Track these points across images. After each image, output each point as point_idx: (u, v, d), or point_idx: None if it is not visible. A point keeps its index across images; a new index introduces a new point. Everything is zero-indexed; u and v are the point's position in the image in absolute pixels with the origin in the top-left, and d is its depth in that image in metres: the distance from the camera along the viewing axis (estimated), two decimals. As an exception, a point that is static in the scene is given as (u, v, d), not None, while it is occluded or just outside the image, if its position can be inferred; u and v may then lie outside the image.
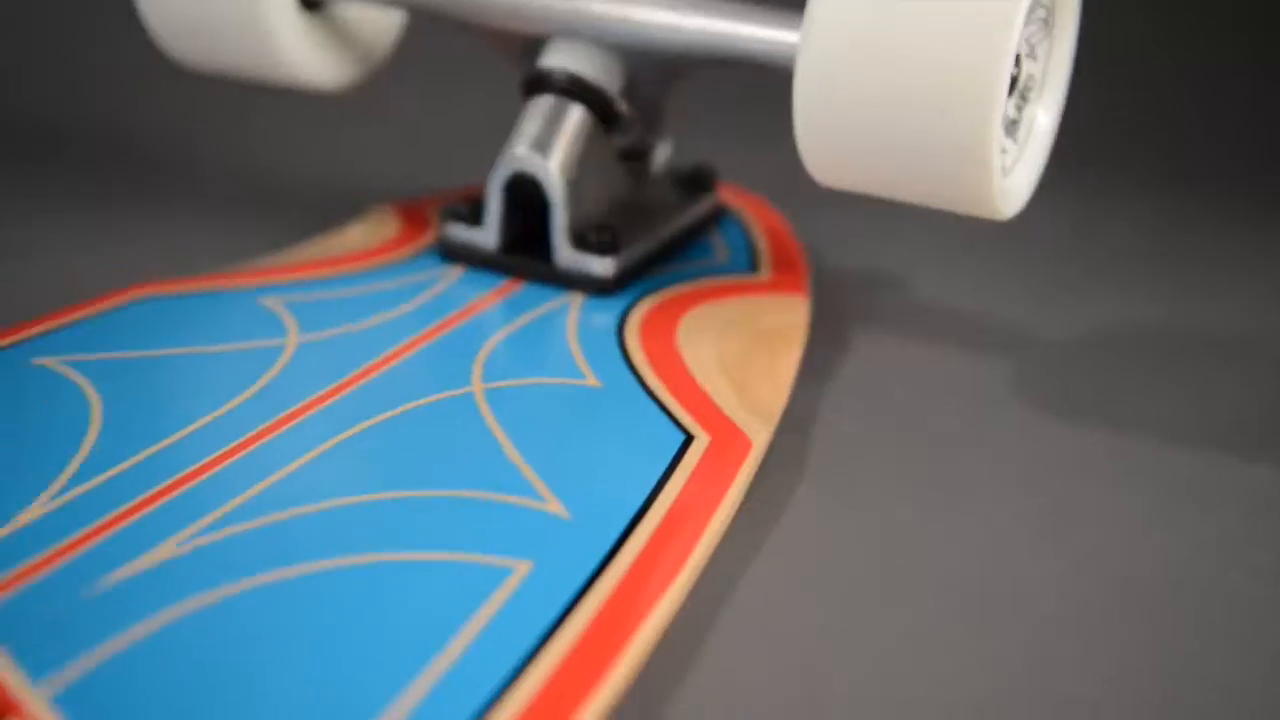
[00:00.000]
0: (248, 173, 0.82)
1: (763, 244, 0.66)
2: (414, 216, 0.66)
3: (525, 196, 0.58)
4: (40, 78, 0.97)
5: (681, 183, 0.66)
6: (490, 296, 0.58)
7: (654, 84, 0.59)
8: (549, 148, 0.57)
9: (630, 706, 0.36)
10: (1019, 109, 0.52)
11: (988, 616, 0.42)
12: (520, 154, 0.57)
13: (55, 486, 0.41)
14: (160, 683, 0.33)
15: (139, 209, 0.73)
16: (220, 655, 0.34)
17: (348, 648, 0.35)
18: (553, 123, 0.58)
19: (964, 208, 0.51)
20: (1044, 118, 0.54)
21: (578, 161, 0.57)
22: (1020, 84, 0.52)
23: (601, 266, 0.58)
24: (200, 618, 0.35)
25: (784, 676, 0.39)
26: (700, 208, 0.65)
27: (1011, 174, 0.52)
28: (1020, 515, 0.48)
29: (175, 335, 0.51)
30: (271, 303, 0.55)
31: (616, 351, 0.53)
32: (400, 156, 0.88)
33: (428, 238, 0.63)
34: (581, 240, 0.58)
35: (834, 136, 0.50)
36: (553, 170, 0.57)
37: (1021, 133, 0.53)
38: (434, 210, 0.66)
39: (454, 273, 0.60)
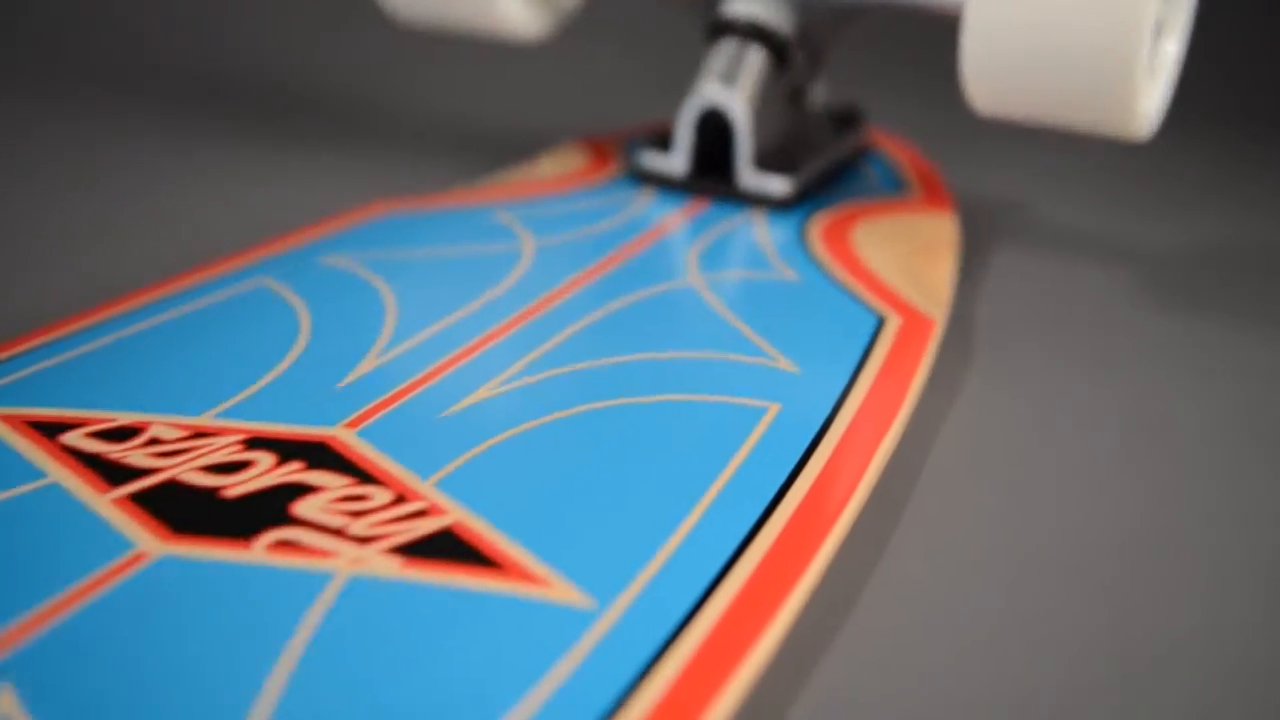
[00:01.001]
0: (431, 116, 0.90)
1: (907, 172, 0.74)
2: (597, 150, 0.74)
3: (708, 126, 0.65)
4: (252, 36, 1.05)
5: (835, 118, 0.73)
6: (683, 213, 0.65)
7: (823, 28, 0.67)
8: (735, 83, 0.64)
9: (868, 521, 0.43)
10: (1155, 42, 0.59)
11: (1148, 456, 0.50)
12: (712, 89, 0.64)
13: (377, 349, 0.49)
14: (515, 474, 0.41)
15: (341, 147, 0.81)
16: (553, 460, 0.42)
17: (654, 460, 0.42)
18: (737, 62, 0.65)
19: (1106, 128, 0.58)
20: (1172, 48, 0.61)
21: (758, 96, 0.65)
22: (1158, 22, 0.59)
23: (781, 185, 0.65)
24: (532, 434, 0.43)
25: (996, 513, 0.46)
26: (854, 139, 0.72)
27: (1148, 98, 0.59)
28: (1170, 378, 0.55)
29: (430, 241, 0.59)
30: (503, 218, 0.62)
31: (803, 253, 0.60)
32: (565, 101, 0.95)
33: (613, 168, 0.71)
34: (762, 163, 0.65)
35: (999, 67, 0.57)
36: (740, 103, 0.64)
37: (1156, 63, 0.60)
38: (611, 145, 0.73)
39: (647, 194, 0.67)
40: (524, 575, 0.36)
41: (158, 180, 0.72)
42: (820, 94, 0.71)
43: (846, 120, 0.72)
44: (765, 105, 0.64)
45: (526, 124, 0.86)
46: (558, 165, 0.71)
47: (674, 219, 0.63)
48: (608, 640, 0.33)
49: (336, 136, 0.81)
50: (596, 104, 0.93)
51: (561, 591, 0.35)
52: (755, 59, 0.64)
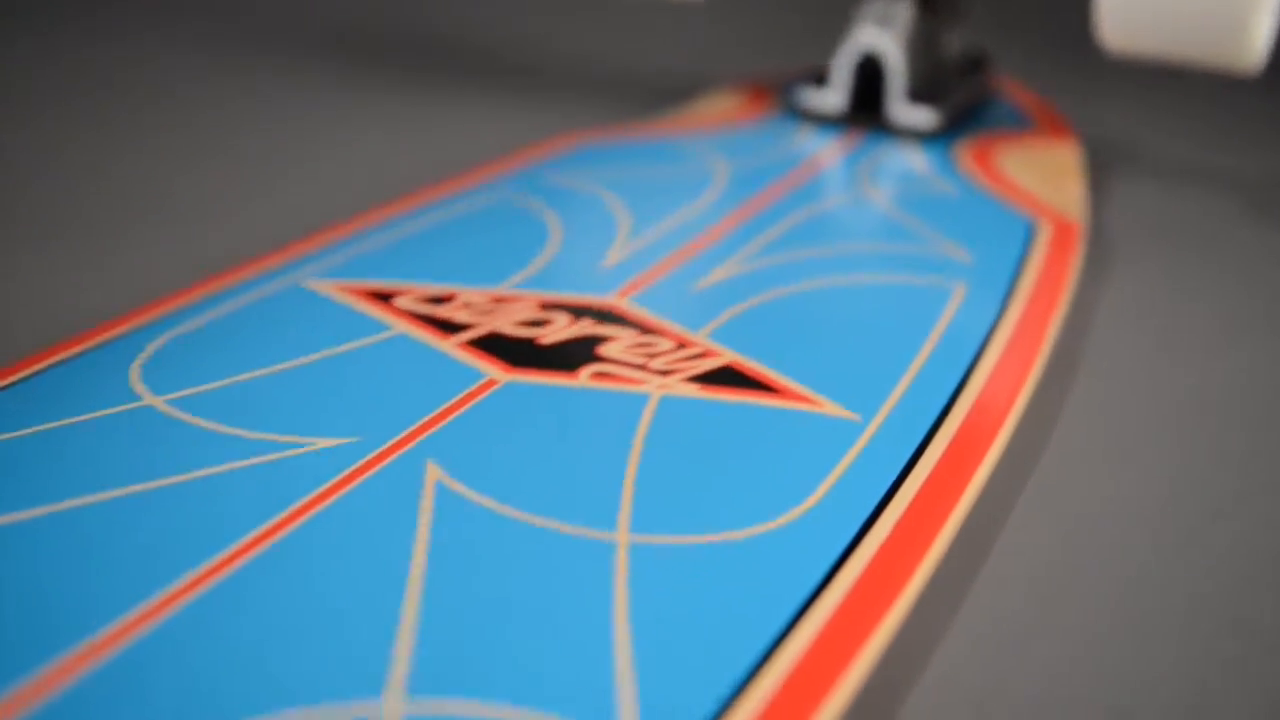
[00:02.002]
0: (586, 64, 0.97)
1: (1029, 110, 0.81)
2: (752, 93, 0.81)
3: (861, 66, 0.73)
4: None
5: (967, 61, 0.80)
6: (841, 144, 0.73)
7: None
8: (890, 28, 0.72)
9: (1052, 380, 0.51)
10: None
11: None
12: (869, 33, 0.72)
13: (621, 241, 0.56)
14: (765, 329, 0.48)
15: (516, 94, 0.89)
16: (793, 321, 0.49)
17: (875, 319, 0.50)
18: (889, 9, 0.73)
19: (1223, 62, 0.65)
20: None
21: (908, 39, 0.72)
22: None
23: (929, 118, 0.72)
24: (769, 304, 0.51)
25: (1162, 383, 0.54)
26: (984, 80, 0.80)
27: (1263, 34, 0.66)
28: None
29: (632, 163, 0.67)
30: (689, 145, 0.70)
31: (955, 173, 0.68)
32: (705, 50, 1.03)
33: (770, 107, 0.78)
34: (913, 98, 0.72)
35: (1134, 3, 0.64)
36: (894, 45, 0.71)
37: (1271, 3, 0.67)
38: (763, 88, 0.81)
39: (806, 129, 0.75)
40: (799, 397, 0.44)
41: (363, 123, 0.80)
42: (955, 39, 0.78)
43: (976, 64, 0.79)
44: (914, 47, 0.71)
45: (675, 70, 0.94)
46: (720, 105, 0.79)
47: (835, 148, 0.71)
48: (873, 444, 0.41)
49: (504, 83, 0.89)
50: (734, 53, 1.00)
51: (832, 408, 0.43)
52: (905, 6, 0.71)
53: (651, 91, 0.87)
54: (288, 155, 0.71)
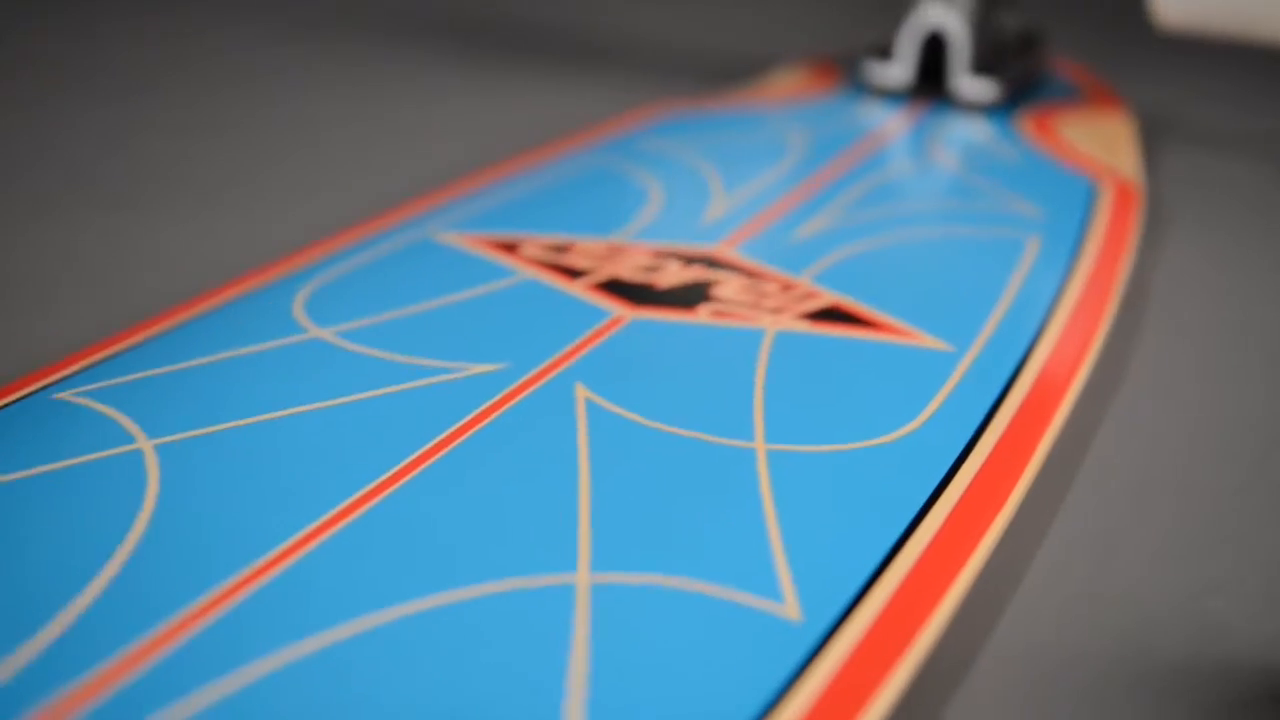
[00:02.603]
0: (651, 41, 1.01)
1: (1081, 83, 0.84)
2: (818, 68, 0.85)
3: (925, 42, 0.76)
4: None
5: (1022, 37, 0.84)
6: (907, 115, 0.76)
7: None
8: (954, 6, 0.75)
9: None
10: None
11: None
12: (935, 11, 0.75)
13: (719, 197, 0.60)
14: (863, 274, 0.52)
15: (592, 71, 0.92)
16: (888, 266, 0.53)
17: (964, 262, 0.53)
18: (954, -14, 0.76)
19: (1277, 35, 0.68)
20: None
21: (971, 15, 0.75)
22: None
23: (990, 90, 0.76)
24: (864, 253, 0.54)
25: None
26: (1039, 55, 0.83)
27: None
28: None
29: (714, 130, 0.71)
30: (765, 115, 0.74)
31: (1017, 140, 0.71)
32: (762, 31, 1.06)
33: (836, 81, 0.82)
34: (975, 72, 0.76)
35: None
36: (958, 22, 0.75)
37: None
38: (827, 65, 0.84)
39: (872, 101, 0.78)
40: (900, 332, 0.47)
41: (464, 97, 0.84)
42: (1013, 17, 0.81)
43: (1032, 40, 0.82)
44: (976, 24, 0.74)
45: (733, 50, 0.97)
46: (788, 80, 0.83)
47: (902, 119, 0.74)
48: (969, 373, 0.45)
49: (579, 61, 0.92)
50: (783, 34, 1.04)
51: (930, 342, 0.46)
52: (969, -15, 0.75)
53: (715, 69, 0.91)
54: (401, 125, 0.75)
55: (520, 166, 0.62)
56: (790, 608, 0.31)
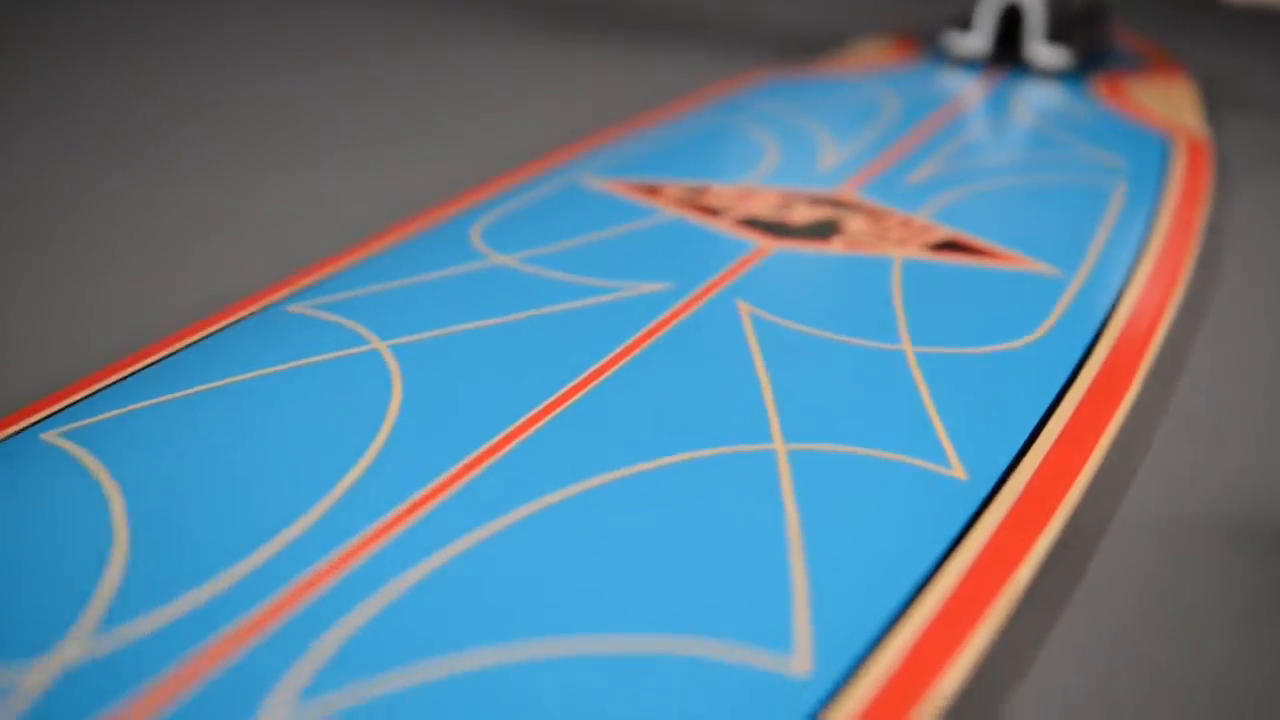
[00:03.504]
0: (734, 20, 1.05)
1: (1145, 53, 0.88)
2: (898, 41, 0.89)
3: (1002, 14, 0.80)
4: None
5: (1090, 9, 0.88)
6: (985, 82, 0.80)
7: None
8: (1030, -20, 0.79)
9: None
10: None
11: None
12: (1013, -15, 0.79)
13: (831, 151, 0.64)
14: (973, 211, 0.56)
15: (685, 43, 0.97)
16: (992, 206, 0.57)
17: (1055, 212, 0.57)
18: (1029, -38, 0.80)
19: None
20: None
21: (1046, -10, 0.80)
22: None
23: (1064, 58, 0.80)
24: (970, 196, 0.59)
25: None
26: (1106, 25, 0.87)
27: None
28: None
29: (814, 95, 0.75)
30: (858, 81, 0.78)
31: (1091, 102, 0.75)
32: (839, 7, 1.11)
33: (913, 52, 0.86)
34: (1050, 40, 0.80)
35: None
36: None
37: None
38: (907, 37, 0.89)
39: (952, 70, 0.82)
40: (1013, 259, 0.51)
41: (573, 66, 0.89)
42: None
43: (1099, 11, 0.86)
44: (1049, -2, 0.79)
45: (814, 25, 1.02)
46: (872, 50, 0.87)
47: (983, 84, 0.78)
48: (1079, 294, 0.49)
49: (673, 35, 0.97)
50: (862, 11, 1.08)
51: (1040, 267, 0.51)
52: (1042, -39, 0.79)
53: (796, 43, 0.95)
54: (529, 89, 0.80)
55: (644, 124, 0.67)
56: (957, 469, 0.36)
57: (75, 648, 0.27)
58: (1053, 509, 0.34)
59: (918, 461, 0.36)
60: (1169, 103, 0.75)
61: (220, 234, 0.55)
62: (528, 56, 0.88)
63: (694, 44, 0.94)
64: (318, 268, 0.48)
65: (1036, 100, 0.73)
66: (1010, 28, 0.77)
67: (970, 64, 0.78)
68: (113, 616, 0.28)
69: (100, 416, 0.36)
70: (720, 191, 0.57)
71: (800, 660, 0.28)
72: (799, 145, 0.64)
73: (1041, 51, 0.76)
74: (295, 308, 0.44)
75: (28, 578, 0.29)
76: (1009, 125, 0.68)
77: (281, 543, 0.31)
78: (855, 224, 0.53)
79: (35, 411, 0.37)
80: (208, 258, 0.53)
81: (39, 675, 0.26)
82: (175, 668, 0.27)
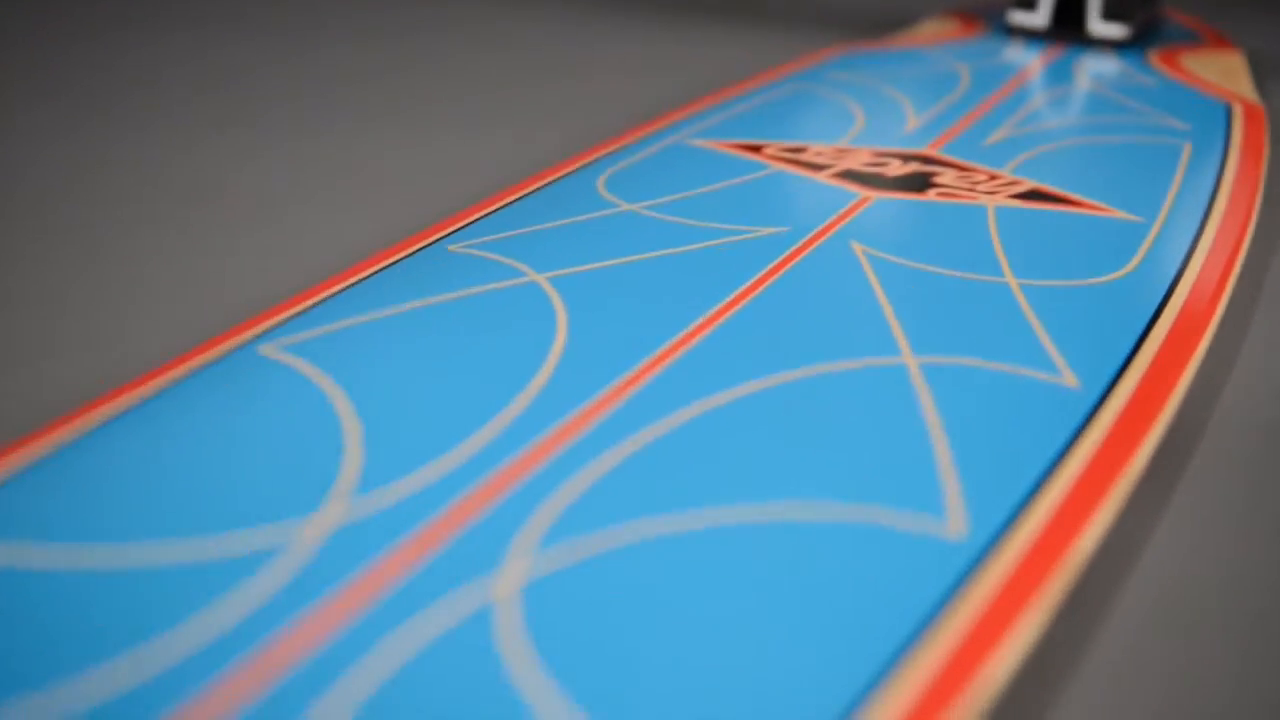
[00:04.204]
0: (795, 6, 1.09)
1: (1194, 28, 0.91)
2: (963, 18, 0.92)
3: None
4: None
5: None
6: (1048, 54, 0.84)
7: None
8: (1090, -43, 0.83)
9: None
10: None
11: None
12: (1074, -39, 0.83)
13: (909, 116, 0.68)
14: (1051, 168, 0.59)
15: (752, 25, 1.00)
16: (1067, 164, 0.60)
17: (1130, 166, 0.61)
18: (1089, -59, 0.83)
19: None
20: None
21: (1104, -34, 0.83)
22: None
23: (1122, 30, 0.83)
24: (1043, 155, 0.62)
25: None
26: (1158, 2, 0.90)
27: None
28: None
29: (889, 66, 0.79)
30: (931, 54, 0.82)
31: (1151, 71, 0.79)
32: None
33: (978, 28, 0.89)
34: (1108, 15, 0.83)
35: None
36: (1094, -29, 0.82)
37: None
38: (971, 15, 0.92)
39: (1016, 43, 0.86)
40: (1096, 207, 0.55)
41: (666, 42, 0.93)
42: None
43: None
44: (1107, -27, 0.82)
45: (882, 6, 1.05)
46: (939, 27, 0.90)
47: (1046, 55, 0.82)
48: (1159, 237, 0.53)
49: (744, 15, 1.01)
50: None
51: (1122, 214, 0.55)
52: (1102, -61, 0.82)
53: (863, 23, 0.98)
54: (617, 64, 0.84)
55: (734, 94, 0.71)
56: (1068, 379, 0.40)
57: (339, 508, 0.31)
58: (1158, 409, 0.38)
59: (1034, 373, 0.40)
60: (1222, 72, 0.79)
61: (380, 186, 0.60)
62: (611, 36, 0.92)
63: (766, 26, 0.98)
64: (467, 213, 0.52)
65: (1099, 70, 0.76)
66: (1069, 3, 0.81)
67: (1032, 38, 0.82)
68: (363, 487, 0.32)
69: (307, 333, 0.41)
70: (818, 150, 0.60)
71: (955, 524, 0.32)
72: (883, 110, 0.67)
73: (1100, 25, 0.79)
74: (455, 247, 0.48)
75: (277, 462, 0.33)
76: (1075, 92, 0.71)
77: (500, 425, 0.35)
78: (945, 178, 0.57)
79: (247, 329, 0.41)
80: (371, 206, 0.57)
81: (313, 530, 0.31)
82: (428, 524, 0.31)
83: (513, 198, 0.54)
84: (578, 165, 0.58)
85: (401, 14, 1.01)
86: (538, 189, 0.55)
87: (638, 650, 0.27)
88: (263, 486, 0.32)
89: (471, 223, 0.51)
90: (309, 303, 0.43)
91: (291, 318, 0.42)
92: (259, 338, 0.41)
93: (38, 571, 0.29)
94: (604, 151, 0.60)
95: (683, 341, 0.40)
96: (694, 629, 0.27)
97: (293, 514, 0.31)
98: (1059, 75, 0.76)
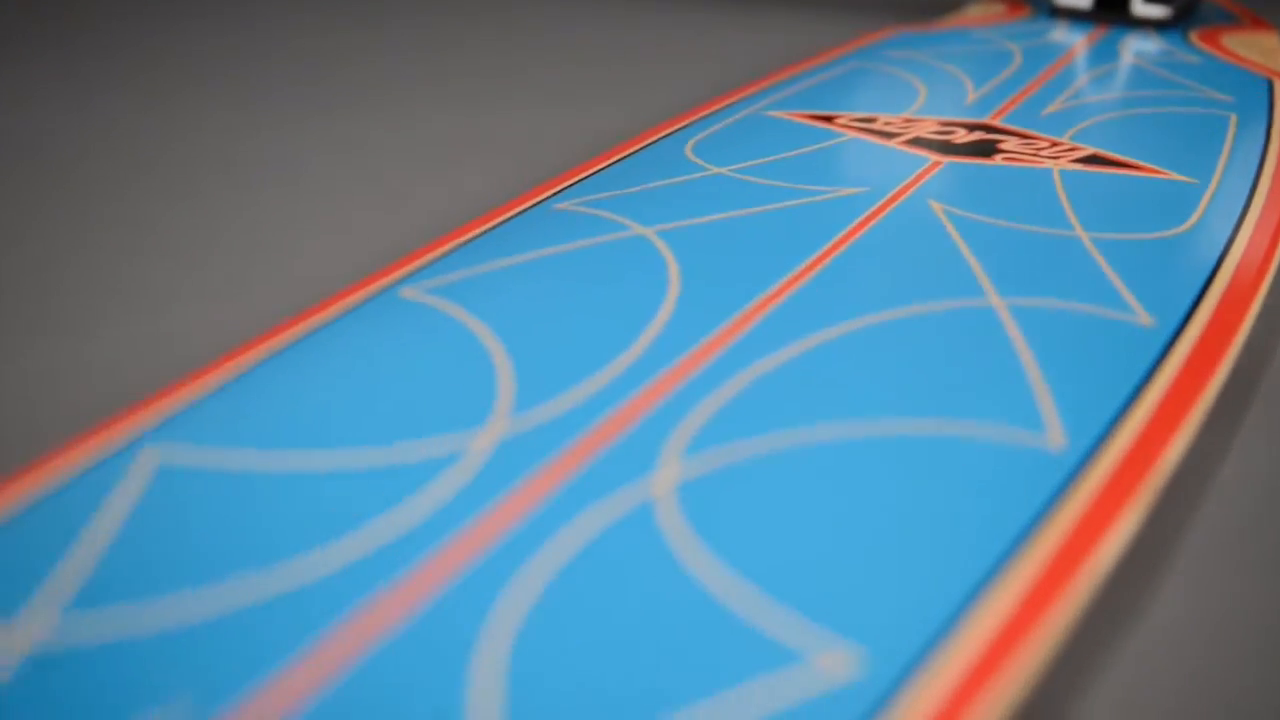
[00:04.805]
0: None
1: (1233, 10, 0.94)
2: (1005, 3, 0.95)
3: None
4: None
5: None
6: (1093, 35, 0.86)
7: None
8: (1133, -61, 0.85)
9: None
10: None
11: None
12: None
13: (969, 89, 0.71)
14: (1104, 135, 0.63)
15: (801, 10, 1.03)
16: (1122, 134, 0.63)
17: (1180, 134, 0.64)
18: (1132, -77, 0.86)
19: None
20: None
21: (1147, -52, 0.85)
22: None
23: (1164, 11, 0.86)
24: (1099, 124, 0.65)
25: None
26: (1198, -16, 0.93)
27: None
28: None
29: (944, 43, 0.81)
30: (982, 35, 0.84)
31: (1194, 49, 0.82)
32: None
33: (1024, 11, 0.92)
34: (1149, -3, 0.86)
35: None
36: (1138, -46, 0.85)
37: None
38: (1006, 1, 0.95)
39: (1063, 24, 0.89)
40: (1152, 170, 0.58)
41: (726, 26, 0.96)
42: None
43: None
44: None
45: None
46: (986, 9, 0.93)
47: (1091, 36, 0.85)
48: (1214, 197, 0.56)
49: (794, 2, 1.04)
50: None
51: (1178, 176, 0.57)
52: (1145, -78, 0.85)
53: (910, 7, 1.01)
54: (699, 46, 0.87)
55: (798, 71, 0.74)
56: (1143, 317, 0.43)
57: (501, 424, 0.35)
58: (1230, 339, 0.41)
59: (1112, 313, 0.43)
60: (1261, 52, 0.81)
61: (483, 152, 0.63)
62: (689, 21, 0.96)
63: (814, 10, 1.01)
64: (568, 176, 0.55)
65: (1143, 49, 0.79)
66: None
67: (1077, 20, 0.85)
68: (519, 407, 0.36)
69: (442, 278, 0.44)
70: (886, 120, 0.63)
71: (1054, 437, 0.35)
72: (943, 84, 0.70)
73: (1143, 6, 0.82)
74: (561, 206, 0.52)
75: (438, 385, 0.37)
76: (1123, 69, 0.74)
77: (634, 354, 0.38)
78: (1009, 144, 0.60)
79: (386, 275, 0.45)
80: (478, 170, 0.61)
81: (482, 441, 0.34)
82: (584, 435, 0.34)
83: (607, 162, 0.57)
84: (663, 134, 0.61)
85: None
86: (629, 154, 0.58)
87: (783, 536, 0.30)
88: (429, 405, 0.35)
89: (574, 184, 0.54)
90: (439, 252, 0.46)
91: (425, 265, 0.45)
92: (398, 283, 0.44)
93: (237, 473, 0.32)
94: (685, 122, 0.63)
95: (786, 285, 0.44)
96: (825, 524, 0.31)
97: (461, 428, 0.34)
98: (1106, 53, 0.79)
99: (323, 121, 0.73)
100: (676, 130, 0.61)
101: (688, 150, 0.58)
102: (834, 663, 0.26)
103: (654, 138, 0.60)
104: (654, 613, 0.27)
